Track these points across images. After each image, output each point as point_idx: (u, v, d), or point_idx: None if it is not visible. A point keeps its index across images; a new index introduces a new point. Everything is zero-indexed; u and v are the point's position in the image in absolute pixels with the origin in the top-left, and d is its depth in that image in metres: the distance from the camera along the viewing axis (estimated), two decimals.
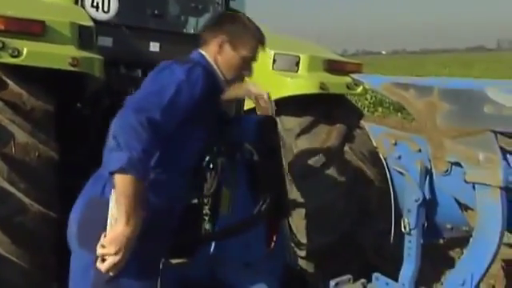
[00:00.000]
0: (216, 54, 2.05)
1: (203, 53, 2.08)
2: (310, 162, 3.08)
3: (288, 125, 3.15)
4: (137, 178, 1.62)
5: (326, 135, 3.16)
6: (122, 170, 1.60)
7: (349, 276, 2.21)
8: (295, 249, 2.92)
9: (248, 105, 3.11)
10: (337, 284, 2.15)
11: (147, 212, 1.71)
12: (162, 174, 1.86)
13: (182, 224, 2.49)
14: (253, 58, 2.10)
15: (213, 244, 2.36)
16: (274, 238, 2.42)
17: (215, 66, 2.06)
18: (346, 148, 3.19)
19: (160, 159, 1.82)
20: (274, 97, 3.08)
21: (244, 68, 2.09)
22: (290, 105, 3.14)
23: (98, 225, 1.70)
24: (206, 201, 2.43)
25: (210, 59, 2.06)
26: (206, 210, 2.43)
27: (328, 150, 3.11)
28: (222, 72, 2.07)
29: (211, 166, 2.40)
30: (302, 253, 2.98)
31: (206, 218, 2.43)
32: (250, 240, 2.27)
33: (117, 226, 1.66)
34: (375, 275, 2.15)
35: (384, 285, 2.10)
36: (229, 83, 2.12)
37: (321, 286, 2.54)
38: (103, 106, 3.01)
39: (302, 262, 2.95)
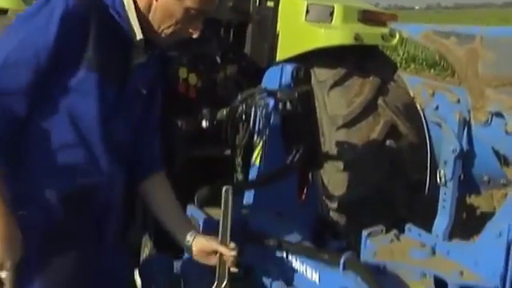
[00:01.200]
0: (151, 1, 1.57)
1: None
2: (343, 114, 3.05)
3: (321, 77, 3.11)
4: None
5: (360, 88, 3.11)
6: None
7: (381, 227, 2.20)
8: (326, 201, 2.93)
9: (281, 55, 3.08)
10: (369, 234, 2.15)
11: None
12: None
13: (214, 175, 2.53)
14: (200, 12, 1.60)
15: (245, 194, 2.38)
16: (306, 189, 2.43)
17: (131, 9, 1.57)
18: (380, 101, 3.13)
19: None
20: (306, 48, 3.05)
21: (184, 22, 1.60)
22: (322, 56, 3.09)
23: None
24: (238, 151, 2.43)
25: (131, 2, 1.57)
26: (238, 160, 2.44)
27: (361, 102, 3.06)
28: (150, 20, 1.59)
29: (243, 116, 2.39)
30: (333, 205, 2.99)
31: (238, 169, 2.45)
32: (281, 190, 2.28)
33: None
34: (408, 226, 2.14)
35: (417, 236, 2.09)
36: (160, 39, 1.63)
37: (352, 238, 2.55)
38: None
39: (333, 214, 2.96)
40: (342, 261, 1.78)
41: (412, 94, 2.11)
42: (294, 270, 2.01)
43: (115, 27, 1.57)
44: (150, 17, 1.61)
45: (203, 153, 2.97)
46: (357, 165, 3.00)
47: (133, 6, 1.59)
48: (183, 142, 2.97)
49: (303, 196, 2.43)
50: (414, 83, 2.08)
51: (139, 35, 1.60)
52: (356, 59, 3.18)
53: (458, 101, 1.86)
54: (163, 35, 1.63)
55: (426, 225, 2.14)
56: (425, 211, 3.16)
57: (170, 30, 1.62)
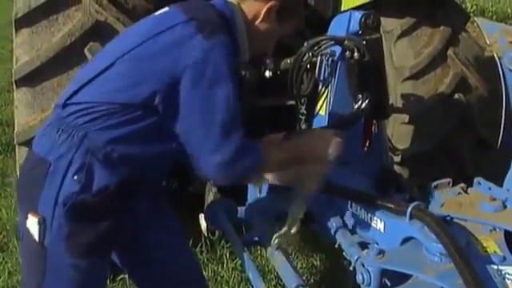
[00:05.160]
0: (256, 18, 1.70)
1: (235, 6, 1.69)
2: (410, 65, 2.96)
3: (388, 26, 3.00)
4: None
5: (429, 38, 3.00)
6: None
7: (448, 179, 2.16)
8: (390, 154, 2.88)
9: (346, 4, 2.99)
10: (436, 186, 2.12)
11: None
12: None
13: (278, 125, 2.52)
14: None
15: None
16: (371, 140, 2.39)
17: (244, 30, 1.69)
18: (450, 52, 3.01)
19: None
20: None
21: (273, 44, 1.79)
22: (390, 5, 2.98)
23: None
24: (302, 101, 2.40)
25: (241, 19, 1.69)
26: (303, 109, 2.41)
27: (430, 53, 2.95)
28: (251, 40, 1.71)
29: (308, 65, 2.35)
30: (397, 158, 2.95)
31: (303, 118, 2.42)
32: (346, 139, 2.25)
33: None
34: (477, 179, 2.09)
35: (486, 189, 2.04)
36: (251, 57, 1.76)
37: (415, 192, 2.52)
38: None
39: (396, 168, 2.92)
40: (408, 210, 1.76)
41: (488, 42, 2.01)
42: (358, 218, 2.02)
43: None
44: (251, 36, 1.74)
45: (267, 103, 2.97)
46: (422, 118, 2.92)
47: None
48: (247, 92, 2.98)
49: (368, 145, 2.39)
50: (491, 30, 1.99)
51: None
52: (425, 8, 3.05)
53: None
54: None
55: (493, 182, 2.08)
56: (492, 168, 3.07)
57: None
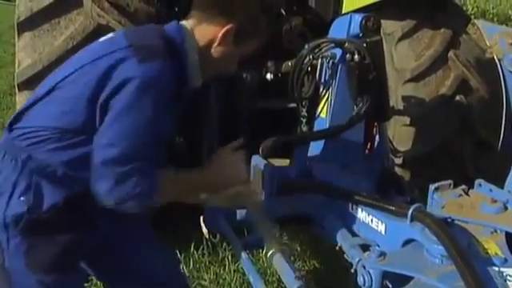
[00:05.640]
0: (212, 42, 1.66)
1: (187, 31, 1.65)
2: (411, 67, 2.97)
3: (389, 28, 3.01)
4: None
5: (429, 40, 3.01)
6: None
7: (449, 181, 2.16)
8: (391, 156, 2.89)
9: (347, 7, 3.00)
10: (437, 188, 2.11)
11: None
12: None
13: (279, 127, 2.53)
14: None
15: (310, 145, 2.38)
16: (372, 142, 2.40)
17: (195, 56, 1.65)
18: (450, 54, 3.02)
19: None
20: (373, 0, 2.95)
21: (235, 64, 1.76)
22: (390, 7, 2.99)
23: None
24: (303, 103, 2.41)
25: (193, 44, 1.64)
26: (304, 112, 2.42)
27: (431, 55, 2.96)
28: (205, 65, 1.68)
29: (309, 68, 2.36)
30: (398, 160, 2.95)
31: (304, 121, 2.43)
32: (347, 142, 2.26)
33: None
34: (478, 181, 2.08)
35: (487, 191, 2.04)
36: (205, 79, 1.73)
37: (416, 194, 2.52)
38: None
39: (397, 170, 2.92)
40: (409, 212, 1.76)
41: (488, 44, 2.01)
42: (359, 220, 2.02)
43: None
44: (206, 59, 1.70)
45: (268, 105, 2.98)
46: (423, 120, 2.93)
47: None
48: (248, 94, 2.99)
49: (369, 148, 2.40)
50: (491, 32, 1.99)
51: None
52: (426, 10, 3.07)
53: None
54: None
55: (493, 183, 2.07)
56: (493, 169, 3.07)
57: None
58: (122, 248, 1.87)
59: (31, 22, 2.51)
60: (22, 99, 2.52)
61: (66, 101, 1.58)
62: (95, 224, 1.72)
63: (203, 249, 3.12)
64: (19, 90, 2.54)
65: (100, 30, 2.48)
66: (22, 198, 1.59)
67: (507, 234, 1.82)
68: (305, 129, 2.43)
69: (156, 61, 1.52)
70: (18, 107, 2.53)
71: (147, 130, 1.53)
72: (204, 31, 1.66)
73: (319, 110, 2.40)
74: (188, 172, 1.75)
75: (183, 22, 1.69)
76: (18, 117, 1.64)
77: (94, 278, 2.67)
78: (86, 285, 2.45)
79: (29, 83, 2.49)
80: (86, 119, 1.55)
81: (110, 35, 1.73)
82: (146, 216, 1.94)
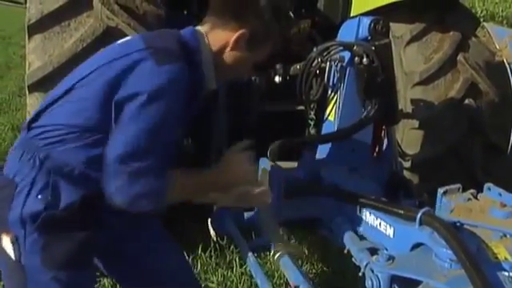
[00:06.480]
0: (225, 47, 1.69)
1: (201, 36, 1.69)
2: (420, 70, 2.96)
3: (397, 31, 3.00)
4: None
5: (438, 43, 2.99)
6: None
7: (458, 185, 2.15)
8: (399, 159, 2.88)
9: (355, 10, 2.99)
10: (445, 192, 2.10)
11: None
12: None
13: (287, 129, 2.53)
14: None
15: (319, 148, 2.38)
16: (380, 146, 2.39)
17: (210, 59, 1.69)
18: (460, 57, 3.00)
19: None
20: (382, 2, 2.95)
21: (248, 70, 1.82)
22: (399, 10, 2.98)
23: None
24: (311, 106, 2.41)
25: (207, 48, 1.68)
26: (312, 115, 2.43)
27: (440, 58, 2.95)
28: (220, 69, 1.72)
29: (317, 71, 2.36)
30: (407, 164, 2.94)
31: (312, 124, 2.43)
32: (356, 145, 2.26)
33: None
34: (487, 185, 2.07)
35: (497, 195, 2.02)
36: (220, 82, 1.80)
37: (424, 198, 2.51)
38: None
39: (406, 173, 2.91)
40: (418, 216, 1.76)
41: (498, 47, 2.01)
42: (367, 224, 2.01)
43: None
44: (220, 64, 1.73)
45: (276, 108, 2.98)
46: (432, 123, 2.92)
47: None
48: (257, 97, 2.99)
49: (377, 151, 2.39)
50: (500, 35, 1.99)
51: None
52: (435, 13, 3.05)
53: None
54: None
55: (503, 187, 2.06)
56: (502, 173, 3.05)
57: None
58: (135, 247, 1.88)
59: (42, 25, 2.53)
60: (31, 101, 2.54)
61: (83, 100, 1.60)
62: (110, 223, 1.75)
63: (211, 251, 3.12)
64: (29, 91, 2.56)
65: (110, 33, 2.49)
66: (39, 196, 1.62)
67: None
68: (313, 132, 2.44)
69: (173, 63, 1.55)
70: (28, 109, 2.57)
71: (161, 131, 1.56)
72: (217, 36, 1.69)
73: (327, 112, 2.41)
74: (198, 172, 1.77)
75: (198, 28, 1.73)
76: (37, 116, 1.67)
77: (101, 278, 2.70)
78: None
79: (39, 85, 2.50)
80: (103, 118, 1.58)
81: (128, 38, 1.77)
82: (158, 216, 1.95)
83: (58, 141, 1.61)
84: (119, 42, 1.75)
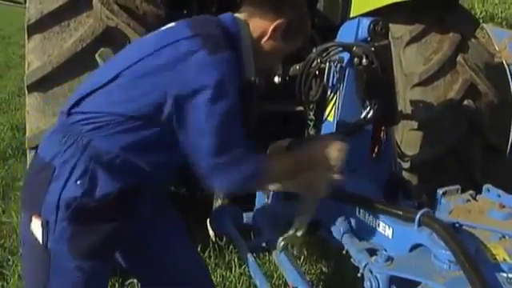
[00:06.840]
0: (263, 36, 1.75)
1: (242, 23, 1.73)
2: (419, 71, 2.96)
3: (397, 32, 3.01)
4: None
5: (438, 44, 3.00)
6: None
7: (457, 186, 2.15)
8: (399, 160, 2.88)
9: (355, 10, 2.99)
10: (444, 193, 2.10)
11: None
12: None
13: (286, 130, 2.52)
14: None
15: None
16: (379, 146, 2.39)
17: (250, 47, 1.73)
18: (459, 58, 3.01)
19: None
20: (382, 2, 2.95)
21: (279, 61, 1.90)
22: (398, 11, 2.98)
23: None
24: (310, 107, 2.41)
25: (247, 35, 1.73)
26: (311, 115, 2.42)
27: (439, 60, 2.95)
28: (255, 58, 1.75)
29: (317, 72, 2.35)
30: (406, 164, 2.94)
31: (311, 124, 2.43)
32: (354, 146, 2.25)
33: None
34: (486, 186, 2.08)
35: (495, 196, 2.03)
36: (256, 72, 1.82)
37: (423, 199, 2.51)
38: None
39: (405, 174, 2.91)
40: (417, 217, 1.76)
41: (497, 48, 2.01)
42: (366, 225, 2.01)
43: None
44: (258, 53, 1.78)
45: (275, 108, 2.98)
46: (431, 124, 2.92)
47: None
48: (256, 97, 2.99)
49: (376, 152, 2.39)
50: (500, 36, 1.99)
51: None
52: (435, 14, 3.05)
53: None
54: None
55: (502, 189, 2.07)
56: (501, 174, 3.06)
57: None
58: (159, 241, 1.91)
59: (41, 24, 2.53)
60: (31, 101, 2.54)
61: (130, 88, 1.62)
62: (139, 217, 1.77)
63: (209, 251, 3.12)
64: (28, 91, 2.56)
65: (109, 33, 2.49)
66: (78, 182, 1.62)
67: None
68: (312, 132, 2.43)
69: (224, 51, 1.59)
70: (27, 109, 2.57)
71: (235, 117, 1.62)
72: (256, 24, 1.74)
73: (326, 113, 2.40)
74: (289, 153, 1.90)
75: (236, 15, 1.76)
76: (79, 102, 1.67)
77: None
78: None
79: (38, 85, 2.51)
80: (150, 107, 1.59)
81: (172, 24, 1.76)
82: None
83: (101, 126, 1.62)
84: (162, 29, 1.75)
